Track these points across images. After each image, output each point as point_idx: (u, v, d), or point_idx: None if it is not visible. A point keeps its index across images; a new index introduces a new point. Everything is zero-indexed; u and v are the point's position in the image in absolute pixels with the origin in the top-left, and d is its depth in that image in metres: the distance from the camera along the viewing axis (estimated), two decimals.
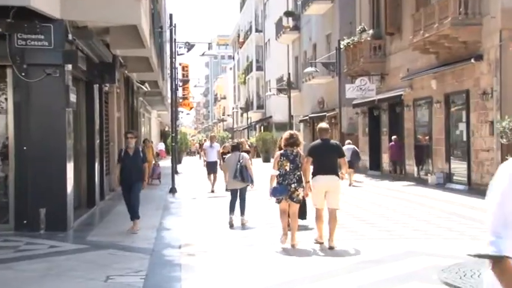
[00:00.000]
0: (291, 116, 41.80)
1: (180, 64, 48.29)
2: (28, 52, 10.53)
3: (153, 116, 47.86)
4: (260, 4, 60.32)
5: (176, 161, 24.00)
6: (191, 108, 60.27)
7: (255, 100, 62.77)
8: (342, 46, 28.33)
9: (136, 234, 10.66)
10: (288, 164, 9.65)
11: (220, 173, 19.71)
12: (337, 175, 9.81)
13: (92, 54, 13.76)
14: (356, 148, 23.40)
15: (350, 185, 22.01)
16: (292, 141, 9.79)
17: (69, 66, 11.08)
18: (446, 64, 19.91)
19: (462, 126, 19.61)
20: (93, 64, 14.21)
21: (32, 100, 10.74)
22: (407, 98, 23.57)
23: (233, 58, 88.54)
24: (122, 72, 19.82)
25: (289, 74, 43.27)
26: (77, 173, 12.75)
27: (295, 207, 9.77)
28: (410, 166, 23.69)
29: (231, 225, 11.94)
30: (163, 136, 57.46)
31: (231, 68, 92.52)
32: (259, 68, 61.36)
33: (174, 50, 24.11)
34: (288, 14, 43.18)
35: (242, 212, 12.34)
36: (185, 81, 51.92)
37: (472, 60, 18.05)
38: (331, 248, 9.38)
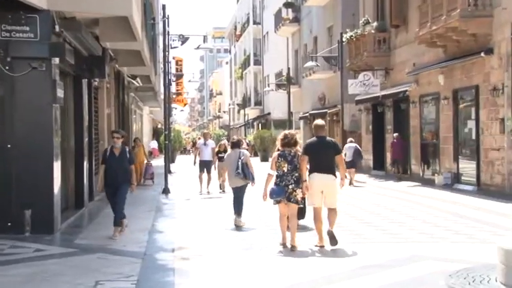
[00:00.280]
0: (290, 113, 41.81)
1: (173, 58, 48.24)
2: (12, 44, 10.50)
3: (145, 113, 47.85)
4: None
5: (169, 160, 24.00)
6: (185, 105, 60.31)
7: (252, 96, 62.80)
8: (344, 39, 28.34)
9: (116, 240, 10.46)
10: (286, 164, 9.77)
11: (214, 173, 19.71)
12: (334, 174, 9.93)
13: (80, 47, 13.74)
14: (358, 146, 23.41)
15: (350, 184, 22.04)
16: (287, 141, 9.92)
17: (56, 60, 11.05)
18: (455, 58, 19.91)
19: (471, 124, 19.62)
20: (81, 57, 14.18)
21: (16, 95, 10.71)
22: (413, 94, 23.58)
23: (229, 52, 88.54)
24: (112, 66, 19.79)
25: (288, 68, 43.29)
26: (64, 173, 12.71)
27: (294, 208, 9.87)
28: (416, 166, 23.71)
29: (237, 227, 12.11)
30: (155, 134, 57.44)
31: (227, 62, 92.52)
32: (257, 62, 61.38)
33: (167, 43, 24.10)
34: (287, 5, 43.16)
35: (239, 212, 12.42)
36: (179, 76, 51.91)
37: (482, 54, 18.05)
38: (329, 232, 9.65)
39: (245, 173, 12.34)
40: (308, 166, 9.91)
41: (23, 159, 10.75)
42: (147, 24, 19.34)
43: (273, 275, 8.01)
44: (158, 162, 32.24)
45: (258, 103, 60.62)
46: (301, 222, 12.00)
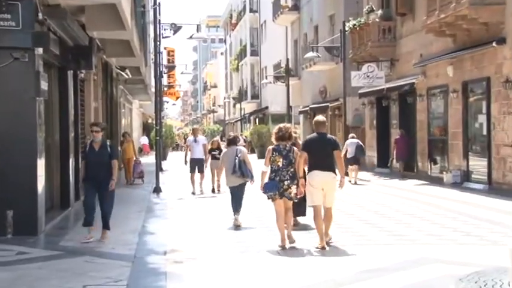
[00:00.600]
0: (289, 107, 41.80)
1: (165, 48, 48.19)
2: None
3: (135, 107, 47.82)
4: None
5: (161, 157, 24.00)
6: (177, 98, 60.15)
7: (249, 89, 62.78)
8: (347, 28, 28.30)
9: (105, 242, 10.44)
10: (281, 159, 9.95)
11: (207, 171, 19.61)
12: (334, 172, 10.12)
13: (65, 37, 13.70)
14: (360, 142, 23.42)
15: (355, 183, 22.06)
16: (282, 135, 10.06)
17: (40, 50, 11.02)
18: (465, 48, 19.92)
19: (482, 118, 19.64)
20: (66, 48, 14.15)
21: None
22: (420, 87, 23.59)
23: (225, 42, 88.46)
24: (100, 57, 19.75)
25: (287, 59, 43.27)
26: (48, 170, 12.70)
27: (289, 203, 10.14)
28: (423, 163, 23.73)
29: (237, 227, 12.23)
30: (146, 129, 57.43)
31: (222, 53, 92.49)
32: (254, 53, 61.34)
33: (158, 32, 24.09)
34: None
35: (237, 210, 12.55)
36: (171, 68, 51.85)
37: (494, 44, 18.05)
38: (324, 246, 9.77)
39: (243, 171, 12.45)
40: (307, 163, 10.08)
41: (4, 156, 10.72)
42: (136, 12, 19.29)
43: (271, 280, 8.01)
44: (149, 159, 32.25)
45: (255, 96, 60.62)
46: (302, 221, 12.08)
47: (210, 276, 8.24)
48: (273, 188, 9.93)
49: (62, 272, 8.31)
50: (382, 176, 25.30)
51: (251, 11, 61.46)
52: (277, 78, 46.13)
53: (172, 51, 53.33)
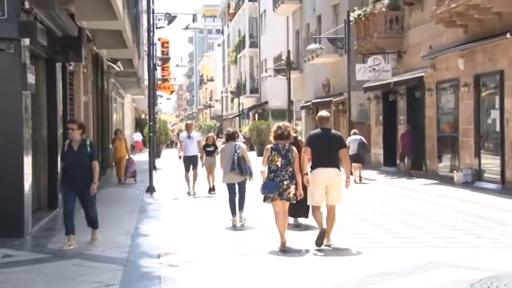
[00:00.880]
0: (290, 102, 41.81)
1: (159, 39, 48.23)
2: None
3: (127, 101, 47.85)
4: None
5: (154, 154, 23.99)
6: (172, 92, 60.16)
7: (248, 83, 62.78)
8: (351, 18, 28.28)
9: (95, 244, 10.45)
10: (280, 159, 10.03)
11: (201, 169, 19.52)
12: (338, 168, 10.24)
13: (53, 27, 13.67)
14: (363, 139, 23.42)
15: (360, 181, 22.06)
16: (280, 134, 10.14)
17: (26, 41, 11.01)
18: (477, 40, 19.90)
19: (495, 114, 19.64)
20: (55, 38, 14.12)
21: None
22: (429, 81, 23.58)
23: (222, 33, 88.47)
24: (90, 49, 19.75)
25: (288, 51, 43.23)
26: (35, 169, 12.68)
27: (286, 205, 10.23)
28: (432, 161, 23.73)
29: (235, 227, 12.43)
30: (138, 125, 57.41)
31: (219, 45, 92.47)
32: (253, 45, 61.34)
33: (152, 22, 24.06)
34: None
35: (241, 207, 12.81)
36: (165, 60, 51.84)
37: (508, 35, 18.02)
38: (322, 232, 9.99)
39: (241, 168, 12.58)
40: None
41: None
42: (129, 1, 19.27)
43: (271, 285, 8.00)
44: (142, 157, 32.24)
45: (254, 91, 60.61)
46: (304, 221, 12.14)
47: (207, 280, 8.23)
48: (274, 188, 9.96)
49: (50, 275, 8.31)
50: (388, 175, 25.30)
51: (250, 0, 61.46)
52: (277, 71, 46.10)
53: (167, 42, 53.36)
